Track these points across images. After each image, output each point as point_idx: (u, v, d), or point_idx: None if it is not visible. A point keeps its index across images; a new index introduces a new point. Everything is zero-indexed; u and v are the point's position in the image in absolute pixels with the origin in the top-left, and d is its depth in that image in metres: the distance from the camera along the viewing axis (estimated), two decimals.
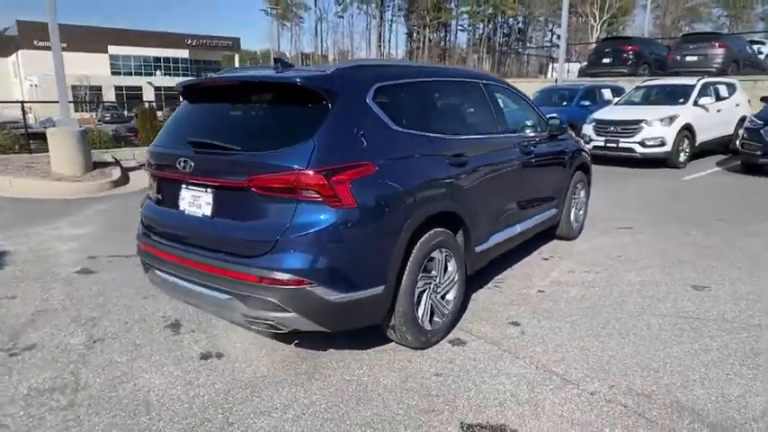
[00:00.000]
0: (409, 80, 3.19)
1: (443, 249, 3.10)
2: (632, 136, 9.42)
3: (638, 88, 11.27)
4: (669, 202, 7.15)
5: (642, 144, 9.32)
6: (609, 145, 9.74)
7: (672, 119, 9.34)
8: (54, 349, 3.16)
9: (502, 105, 4.09)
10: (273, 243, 2.46)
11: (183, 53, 60.15)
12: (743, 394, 2.58)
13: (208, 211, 2.71)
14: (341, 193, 2.46)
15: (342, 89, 2.66)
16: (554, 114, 4.68)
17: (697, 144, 9.81)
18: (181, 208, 2.85)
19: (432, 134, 3.15)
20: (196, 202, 2.77)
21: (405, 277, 2.82)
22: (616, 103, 11.16)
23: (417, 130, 3.04)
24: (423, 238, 2.91)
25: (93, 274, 4.49)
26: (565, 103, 12.27)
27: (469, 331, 3.31)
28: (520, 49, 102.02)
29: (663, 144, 9.28)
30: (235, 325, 3.37)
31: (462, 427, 2.38)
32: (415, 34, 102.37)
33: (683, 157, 9.61)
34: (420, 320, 2.98)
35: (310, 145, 2.47)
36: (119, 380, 2.81)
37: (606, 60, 16.45)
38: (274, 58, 3.35)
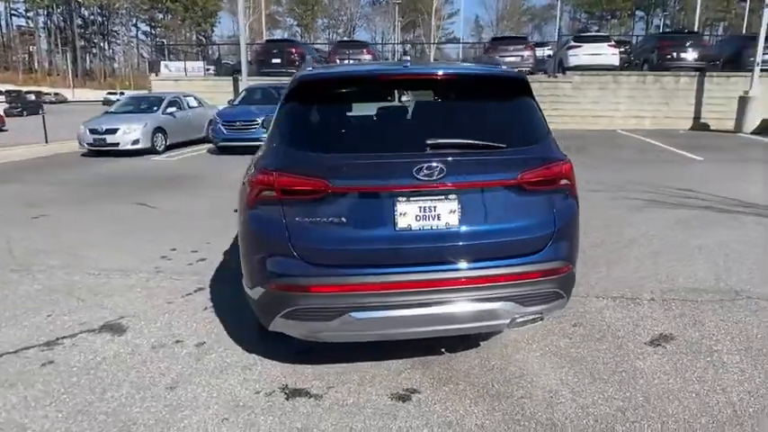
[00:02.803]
0: None
1: None
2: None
3: None
4: None
5: None
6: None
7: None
8: None
9: None
10: (552, 235, 2.57)
11: None
12: (727, 272, 4.26)
13: (453, 220, 2.47)
14: (575, 181, 2.76)
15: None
16: None
17: None
18: (400, 225, 2.44)
19: None
20: (430, 213, 2.45)
21: None
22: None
23: None
24: None
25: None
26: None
27: None
28: (103, 44, 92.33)
29: None
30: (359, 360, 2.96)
31: (652, 343, 3.15)
32: None
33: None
34: None
35: (548, 137, 2.71)
36: None
37: (276, 61, 17.75)
38: (404, 51, 3.14)
